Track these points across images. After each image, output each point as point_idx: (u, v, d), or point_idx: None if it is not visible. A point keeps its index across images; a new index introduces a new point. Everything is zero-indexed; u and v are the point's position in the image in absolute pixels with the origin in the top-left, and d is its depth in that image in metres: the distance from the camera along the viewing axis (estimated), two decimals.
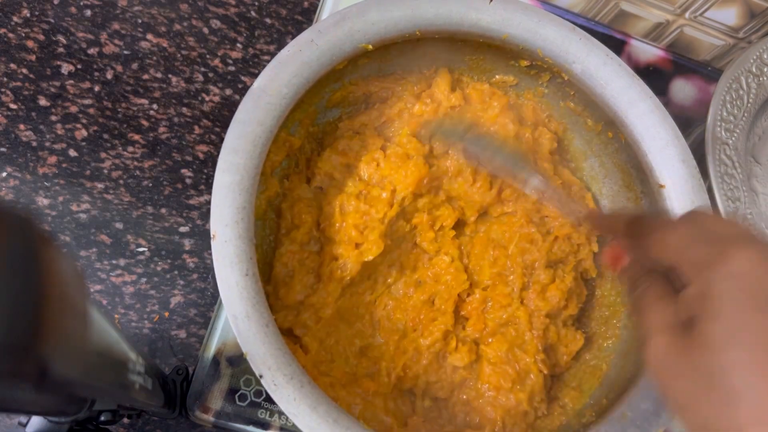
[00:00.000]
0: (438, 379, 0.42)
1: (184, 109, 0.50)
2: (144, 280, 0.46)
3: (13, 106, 0.48)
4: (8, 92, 0.48)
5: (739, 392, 0.21)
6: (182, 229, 0.48)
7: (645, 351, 0.25)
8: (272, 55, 0.45)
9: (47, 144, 0.47)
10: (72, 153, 0.48)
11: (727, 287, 0.22)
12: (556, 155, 0.47)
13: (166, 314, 0.46)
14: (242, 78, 0.51)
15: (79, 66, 0.49)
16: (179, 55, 0.51)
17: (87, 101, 0.49)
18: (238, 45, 0.52)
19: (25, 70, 0.48)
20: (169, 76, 0.50)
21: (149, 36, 0.50)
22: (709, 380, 0.22)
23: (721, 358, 0.22)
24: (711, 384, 0.22)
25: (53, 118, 0.48)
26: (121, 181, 0.48)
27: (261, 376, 0.33)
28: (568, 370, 0.45)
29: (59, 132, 0.48)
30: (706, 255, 0.24)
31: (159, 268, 0.47)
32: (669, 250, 0.26)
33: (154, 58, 0.50)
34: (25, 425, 0.29)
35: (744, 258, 0.23)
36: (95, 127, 0.48)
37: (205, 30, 0.51)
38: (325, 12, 0.50)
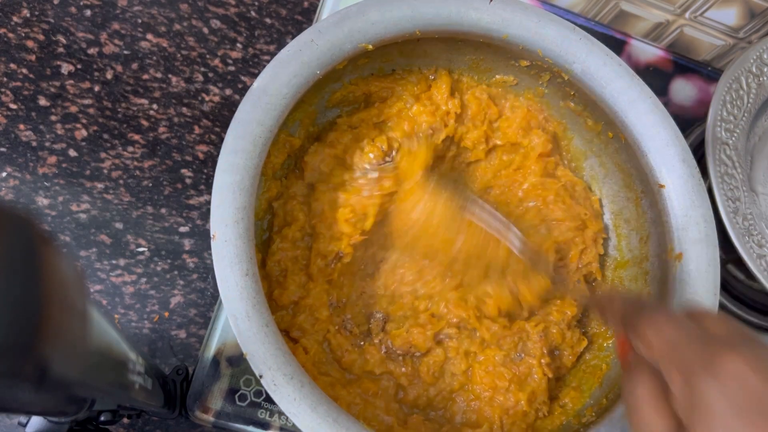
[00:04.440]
0: (438, 391, 0.42)
1: (184, 109, 0.50)
2: (144, 280, 0.46)
3: (13, 106, 0.48)
4: (8, 92, 0.48)
5: None
6: (182, 229, 0.48)
7: None
8: (272, 55, 0.45)
9: (47, 144, 0.47)
10: (72, 153, 0.48)
11: (716, 396, 0.21)
12: (555, 155, 0.47)
13: (166, 314, 0.46)
14: (242, 78, 0.51)
15: (79, 66, 0.49)
16: (179, 55, 0.51)
17: (87, 101, 0.49)
18: (238, 45, 0.52)
19: (25, 70, 0.48)
20: (169, 76, 0.50)
21: (149, 36, 0.50)
22: None
23: None
24: None
25: (53, 118, 0.48)
26: (121, 181, 0.48)
27: (261, 376, 0.33)
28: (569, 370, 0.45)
29: (59, 132, 0.48)
30: (696, 357, 0.22)
31: (159, 268, 0.47)
32: (656, 349, 0.24)
33: (154, 58, 0.50)
34: (25, 425, 0.29)
35: (736, 362, 0.21)
36: (95, 127, 0.48)
37: (205, 30, 0.51)
38: (325, 12, 0.50)
